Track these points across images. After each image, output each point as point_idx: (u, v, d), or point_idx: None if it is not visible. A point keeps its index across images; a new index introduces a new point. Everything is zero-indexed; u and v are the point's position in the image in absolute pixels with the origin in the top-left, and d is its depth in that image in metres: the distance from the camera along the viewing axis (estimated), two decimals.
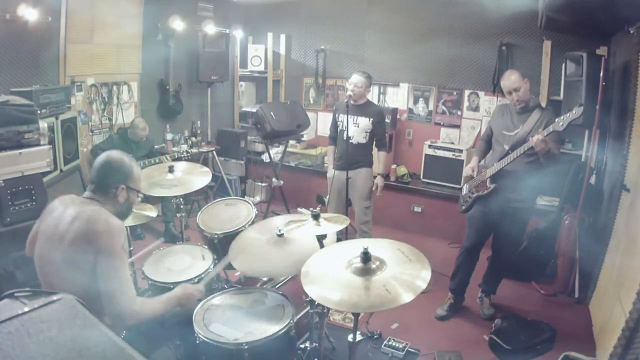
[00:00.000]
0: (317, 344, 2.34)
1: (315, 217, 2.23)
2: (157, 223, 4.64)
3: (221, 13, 5.71)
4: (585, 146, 4.28)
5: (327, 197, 3.98)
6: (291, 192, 5.32)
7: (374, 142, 3.89)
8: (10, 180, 2.93)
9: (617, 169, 3.32)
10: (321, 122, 5.88)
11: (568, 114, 2.73)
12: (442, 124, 5.23)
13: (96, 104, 4.55)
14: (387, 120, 4.52)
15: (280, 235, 2.30)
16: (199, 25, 5.27)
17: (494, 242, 3.41)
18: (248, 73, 6.09)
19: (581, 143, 4.32)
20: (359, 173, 3.84)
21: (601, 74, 3.33)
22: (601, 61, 3.36)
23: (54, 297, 0.98)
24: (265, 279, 2.84)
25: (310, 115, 5.25)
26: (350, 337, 1.93)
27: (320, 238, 2.21)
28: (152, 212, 2.91)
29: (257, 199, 5.83)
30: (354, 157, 3.78)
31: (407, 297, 1.63)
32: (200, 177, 3.10)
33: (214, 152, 5.39)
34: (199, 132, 5.36)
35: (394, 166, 5.15)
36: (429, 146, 4.98)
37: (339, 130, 3.89)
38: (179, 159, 3.98)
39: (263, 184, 5.88)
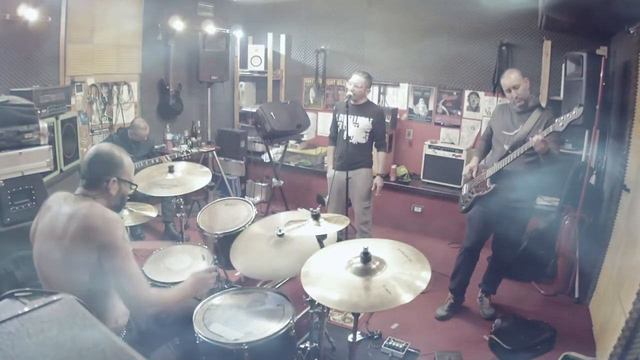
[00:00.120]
0: (317, 344, 2.34)
1: (315, 217, 2.23)
2: (157, 223, 4.65)
3: (221, 13, 5.71)
4: (585, 146, 4.28)
5: (327, 197, 3.98)
6: (291, 192, 5.32)
7: (374, 142, 3.90)
8: (10, 180, 2.93)
9: (617, 169, 3.32)
10: (321, 122, 5.88)
11: (568, 115, 2.73)
12: (442, 124, 5.23)
13: (96, 104, 4.55)
14: (387, 120, 4.52)
15: (281, 236, 2.31)
16: (199, 25, 5.27)
17: (494, 242, 3.41)
18: (248, 73, 6.10)
19: (581, 143, 4.32)
20: (358, 173, 3.84)
21: (601, 74, 3.33)
22: (601, 61, 3.36)
23: (54, 297, 0.98)
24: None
25: (310, 115, 5.26)
26: (350, 337, 1.93)
27: (320, 238, 2.21)
28: (152, 212, 2.91)
29: (257, 199, 5.83)
30: (353, 157, 3.78)
31: (407, 297, 1.63)
32: (200, 177, 3.10)
33: (214, 152, 5.40)
34: (199, 132, 5.36)
35: (394, 166, 5.15)
36: (429, 146, 4.98)
37: (338, 130, 3.89)
38: (179, 159, 3.98)
39: (263, 184, 5.88)
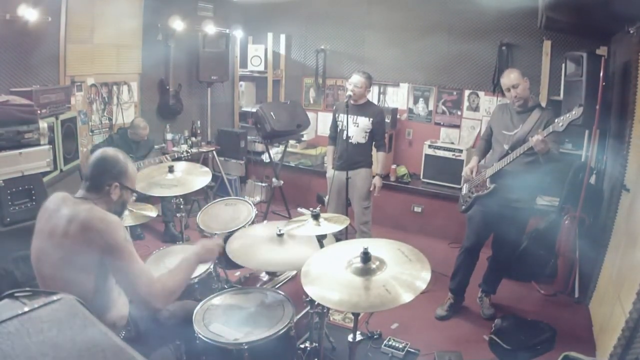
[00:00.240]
0: (317, 344, 2.34)
1: (315, 217, 2.23)
2: (157, 223, 4.65)
3: (221, 13, 5.71)
4: (585, 146, 4.28)
5: (327, 197, 3.98)
6: (291, 192, 5.32)
7: (373, 143, 3.90)
8: (10, 180, 2.93)
9: (617, 169, 3.32)
10: (321, 122, 5.88)
11: (568, 115, 2.73)
12: (442, 124, 5.23)
13: (96, 104, 4.55)
14: (387, 120, 4.53)
15: (280, 235, 2.31)
16: (199, 25, 5.27)
17: (494, 242, 3.41)
18: (248, 73, 6.10)
19: (581, 143, 4.32)
20: (358, 173, 3.84)
21: (601, 74, 3.32)
22: (601, 61, 3.36)
23: (54, 297, 0.98)
24: (265, 278, 2.84)
25: (310, 115, 5.26)
26: (350, 337, 1.93)
27: (320, 238, 2.21)
28: (152, 212, 2.91)
29: (257, 199, 5.83)
30: (353, 157, 3.78)
31: (407, 297, 1.63)
32: (200, 177, 3.10)
33: (214, 152, 5.40)
34: (199, 132, 5.36)
35: (394, 166, 5.15)
36: (429, 146, 4.98)
37: (338, 130, 3.89)
38: (179, 159, 3.98)
39: (263, 184, 5.88)
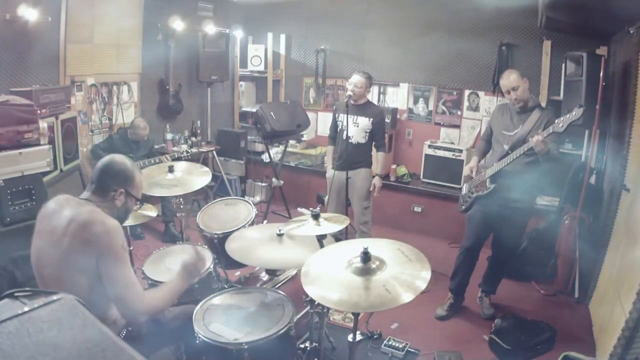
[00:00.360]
0: (317, 344, 2.34)
1: (315, 217, 2.23)
2: (157, 223, 4.65)
3: (221, 13, 5.71)
4: (585, 146, 4.28)
5: (327, 197, 3.98)
6: (291, 192, 5.32)
7: (373, 143, 3.90)
8: (10, 180, 2.93)
9: (617, 169, 3.32)
10: (321, 122, 5.88)
11: (568, 115, 2.73)
12: (442, 124, 5.23)
13: (96, 104, 4.55)
14: (387, 120, 4.53)
15: (280, 235, 2.31)
16: (199, 25, 5.27)
17: (494, 242, 3.41)
18: (248, 73, 6.10)
19: (581, 143, 4.32)
20: (358, 173, 3.84)
21: (601, 74, 3.33)
22: (601, 61, 3.36)
23: (54, 297, 0.98)
24: (265, 278, 2.84)
25: (310, 115, 5.25)
26: (350, 337, 1.93)
27: (320, 238, 2.21)
28: (152, 212, 2.91)
29: (257, 199, 5.83)
30: (353, 157, 3.78)
31: (407, 297, 1.63)
32: (200, 177, 3.10)
33: (214, 152, 5.40)
34: (199, 132, 5.36)
35: (394, 166, 5.15)
36: (429, 146, 4.98)
37: (338, 130, 3.89)
38: (179, 159, 3.98)
39: (263, 184, 5.88)
